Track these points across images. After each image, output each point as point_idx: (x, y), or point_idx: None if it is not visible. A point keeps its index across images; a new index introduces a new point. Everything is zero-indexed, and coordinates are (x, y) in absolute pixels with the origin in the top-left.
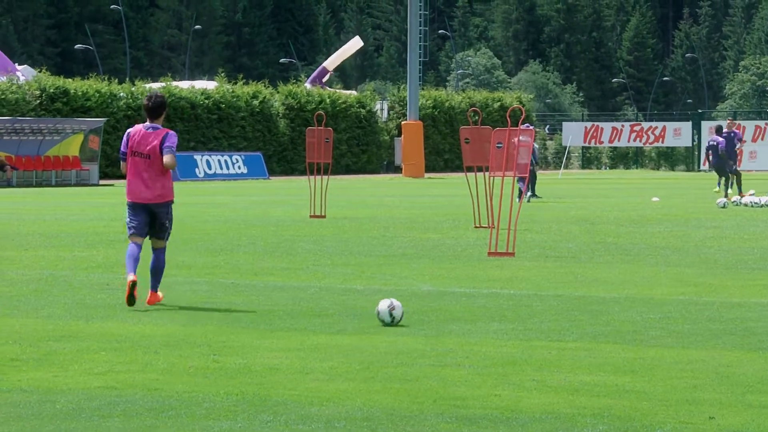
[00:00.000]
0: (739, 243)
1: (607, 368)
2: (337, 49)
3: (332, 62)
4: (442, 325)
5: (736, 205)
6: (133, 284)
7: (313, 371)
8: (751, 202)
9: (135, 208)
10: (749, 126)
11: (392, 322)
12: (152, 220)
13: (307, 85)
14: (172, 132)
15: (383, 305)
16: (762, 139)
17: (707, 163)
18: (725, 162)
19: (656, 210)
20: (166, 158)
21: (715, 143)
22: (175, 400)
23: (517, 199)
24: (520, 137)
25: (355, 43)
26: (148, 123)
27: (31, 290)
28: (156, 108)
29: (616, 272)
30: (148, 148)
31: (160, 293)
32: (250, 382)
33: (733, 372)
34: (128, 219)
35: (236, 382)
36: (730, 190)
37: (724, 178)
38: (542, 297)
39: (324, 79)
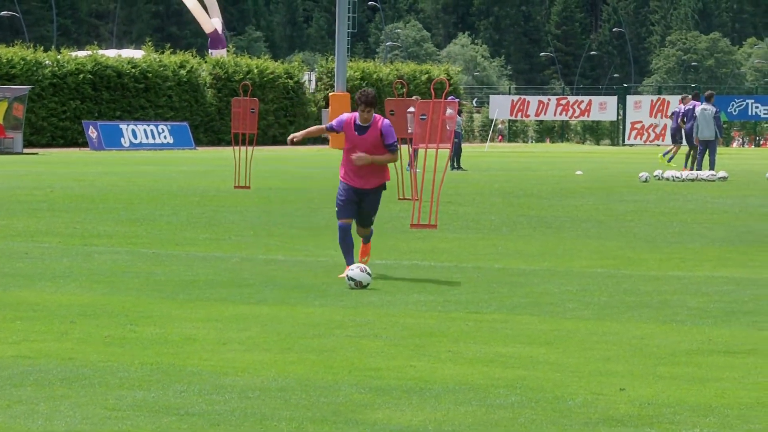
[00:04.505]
0: (659, 217)
1: (523, 340)
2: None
3: (207, 25)
4: (361, 297)
5: (658, 179)
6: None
7: (230, 342)
8: (672, 176)
9: None
10: (674, 101)
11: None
12: None
13: (212, 52)
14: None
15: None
16: None
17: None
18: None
19: (579, 183)
20: None
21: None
22: (89, 370)
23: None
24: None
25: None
26: None
27: None
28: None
29: (537, 245)
30: None
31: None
32: (166, 352)
33: (646, 344)
34: None
35: (152, 352)
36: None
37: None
38: (462, 269)
39: (224, 45)
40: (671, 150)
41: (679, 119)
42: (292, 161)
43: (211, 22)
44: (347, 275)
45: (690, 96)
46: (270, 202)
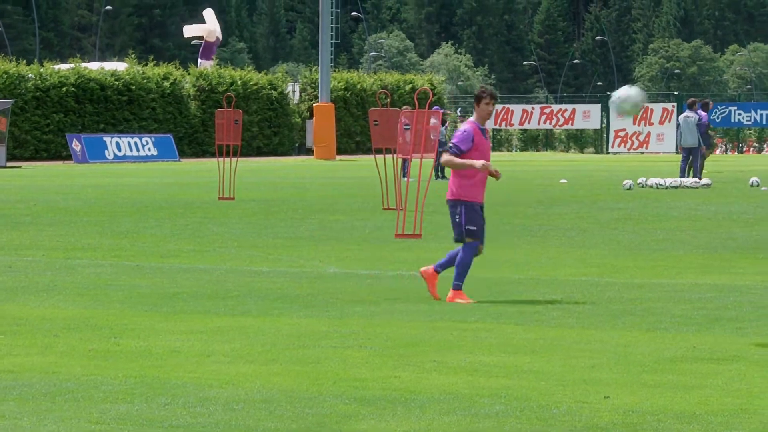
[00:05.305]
0: (643, 224)
1: (507, 349)
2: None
3: (207, 33)
4: (346, 307)
5: (642, 186)
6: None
7: (214, 353)
8: (656, 183)
9: None
10: (657, 109)
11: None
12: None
13: (200, 61)
14: (460, 128)
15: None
16: (669, 121)
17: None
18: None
19: (563, 192)
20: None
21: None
22: (72, 383)
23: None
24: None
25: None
26: None
27: None
28: (474, 96)
29: (521, 253)
30: None
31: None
32: (150, 364)
33: (630, 352)
34: None
35: (136, 365)
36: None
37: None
38: (447, 278)
39: (212, 56)
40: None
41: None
42: (276, 172)
43: (214, 32)
44: (618, 96)
45: (710, 102)
46: (254, 213)
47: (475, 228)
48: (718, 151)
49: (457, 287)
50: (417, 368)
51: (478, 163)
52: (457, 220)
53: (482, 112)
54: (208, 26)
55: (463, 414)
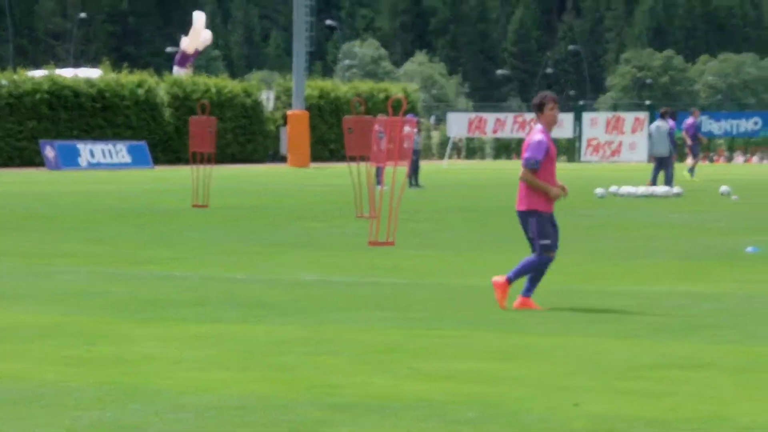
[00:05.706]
0: (620, 232)
1: (483, 356)
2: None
3: (187, 44)
4: (322, 314)
5: (614, 195)
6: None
7: (189, 360)
8: (627, 193)
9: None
10: (629, 118)
11: None
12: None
13: (175, 68)
14: (535, 139)
15: None
16: (641, 130)
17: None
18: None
19: None
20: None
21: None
22: (46, 390)
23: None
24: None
25: (198, 17)
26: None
27: None
28: (534, 105)
29: (496, 261)
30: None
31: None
32: (125, 371)
33: (605, 359)
34: None
35: (110, 372)
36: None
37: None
38: (422, 285)
39: (188, 64)
40: (692, 164)
41: (693, 133)
42: (250, 179)
43: (196, 43)
44: None
45: (698, 110)
46: (228, 220)
47: (549, 242)
48: (689, 160)
49: (509, 281)
50: (392, 375)
51: (554, 191)
52: (530, 235)
53: (548, 118)
54: (200, 30)
55: (437, 420)
